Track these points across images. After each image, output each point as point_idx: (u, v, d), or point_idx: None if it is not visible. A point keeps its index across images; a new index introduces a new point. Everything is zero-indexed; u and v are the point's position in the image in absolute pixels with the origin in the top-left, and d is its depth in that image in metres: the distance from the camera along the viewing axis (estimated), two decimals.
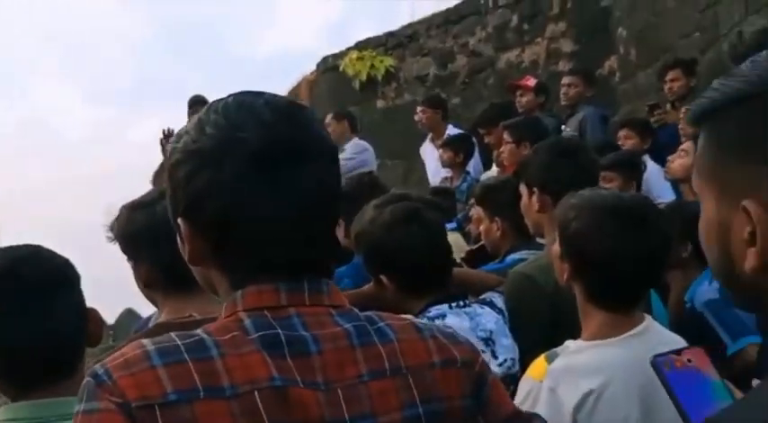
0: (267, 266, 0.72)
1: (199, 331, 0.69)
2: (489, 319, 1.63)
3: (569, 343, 1.30)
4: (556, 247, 1.34)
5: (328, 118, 4.54)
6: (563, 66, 6.09)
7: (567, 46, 6.35)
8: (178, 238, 0.77)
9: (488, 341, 1.58)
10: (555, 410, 1.18)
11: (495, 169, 3.98)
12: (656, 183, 3.31)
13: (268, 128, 0.71)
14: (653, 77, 4.63)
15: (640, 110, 4.49)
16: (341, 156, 4.22)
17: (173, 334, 0.69)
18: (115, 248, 1.33)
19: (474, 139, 4.28)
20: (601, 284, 1.28)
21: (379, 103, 7.02)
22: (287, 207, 0.71)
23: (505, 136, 3.23)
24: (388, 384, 0.71)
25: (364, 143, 4.55)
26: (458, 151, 4.09)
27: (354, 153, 4.38)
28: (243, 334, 0.69)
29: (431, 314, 1.54)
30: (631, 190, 2.81)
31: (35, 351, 1.00)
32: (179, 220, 0.74)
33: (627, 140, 3.63)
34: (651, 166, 3.40)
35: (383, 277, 1.58)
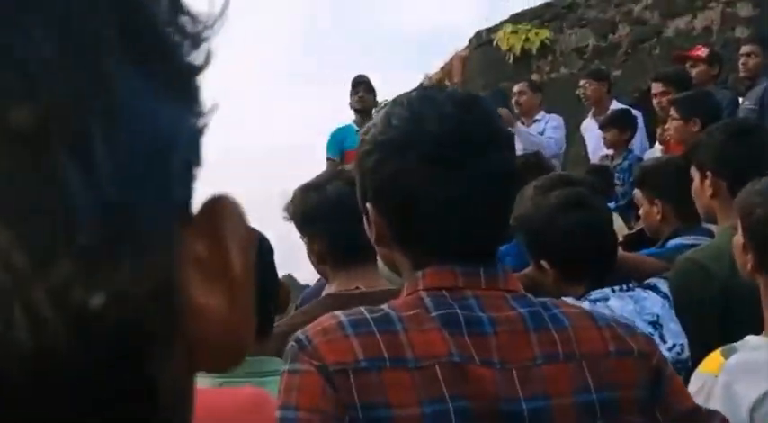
0: (446, 249, 0.78)
1: (384, 307, 0.77)
2: (655, 303, 1.58)
3: (750, 338, 1.23)
4: (738, 238, 1.27)
5: (523, 86, 4.42)
6: (740, 32, 5.56)
7: (744, 10, 5.79)
8: (365, 221, 0.85)
9: (656, 325, 1.54)
10: (731, 407, 1.14)
11: (658, 147, 3.77)
12: None
13: (449, 120, 0.78)
14: None
15: None
16: (535, 126, 4.19)
17: (362, 308, 0.77)
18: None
19: (637, 114, 4.07)
20: None
21: (534, 78, 6.83)
22: (466, 194, 0.77)
23: (672, 112, 3.05)
24: (561, 369, 0.75)
25: (560, 118, 4.42)
26: (623, 129, 3.89)
27: (558, 125, 4.26)
28: (424, 311, 0.75)
29: (592, 297, 1.53)
30: None
31: None
32: (367, 205, 0.82)
33: None
34: None
35: (544, 262, 1.59)
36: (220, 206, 0.24)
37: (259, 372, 1.09)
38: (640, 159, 3.51)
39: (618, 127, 3.89)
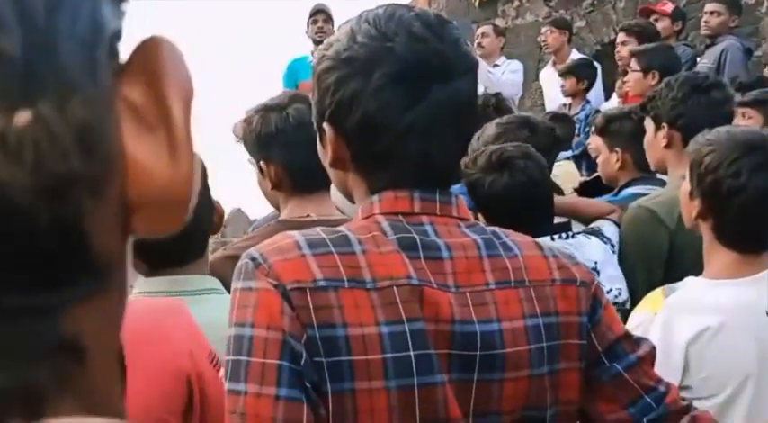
0: (404, 174, 0.77)
1: (342, 228, 0.75)
2: (596, 250, 1.63)
3: (690, 279, 1.28)
4: (685, 186, 1.30)
5: (487, 29, 4.39)
6: None
7: None
8: (318, 143, 0.82)
9: (594, 271, 1.58)
10: (667, 342, 1.19)
11: (615, 100, 3.81)
12: None
13: (418, 40, 0.75)
14: None
15: None
16: (496, 69, 4.16)
17: (318, 229, 0.75)
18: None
19: (596, 66, 4.09)
20: (731, 222, 1.24)
21: (498, 22, 6.77)
22: (429, 120, 0.75)
23: (633, 63, 3.07)
24: (512, 294, 0.76)
25: (520, 64, 4.40)
26: (581, 78, 3.91)
27: (517, 69, 4.25)
28: (381, 234, 0.74)
29: None
30: None
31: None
32: (324, 125, 0.79)
33: None
34: None
35: (480, 216, 1.60)
36: (156, 48, 0.21)
37: (195, 290, 1.08)
38: (597, 111, 3.54)
39: (576, 76, 3.91)
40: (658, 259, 1.64)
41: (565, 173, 2.95)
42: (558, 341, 0.77)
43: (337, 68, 0.76)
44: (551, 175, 2.74)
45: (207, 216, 1.15)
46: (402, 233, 0.74)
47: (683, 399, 0.85)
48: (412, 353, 0.70)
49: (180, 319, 0.93)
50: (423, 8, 0.79)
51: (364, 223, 0.76)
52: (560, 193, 2.13)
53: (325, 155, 0.81)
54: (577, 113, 3.83)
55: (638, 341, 0.84)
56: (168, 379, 0.88)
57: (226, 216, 1.56)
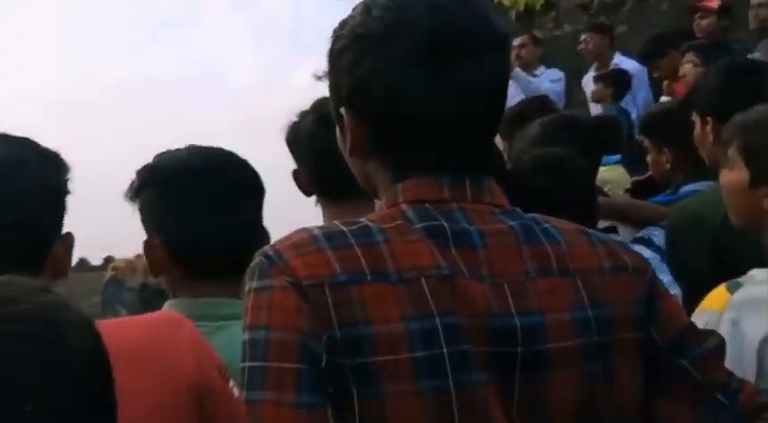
0: (429, 159, 0.70)
1: (363, 219, 0.69)
2: None
3: (755, 272, 1.17)
4: (733, 176, 1.20)
5: (525, 39, 4.35)
6: None
7: None
8: (338, 131, 0.76)
9: None
10: (737, 343, 1.08)
11: (665, 100, 3.68)
12: None
13: (439, 11, 0.68)
14: None
15: None
16: (536, 79, 4.10)
17: (336, 221, 0.69)
18: None
19: (642, 70, 3.98)
20: None
21: (537, 34, 6.69)
22: (454, 99, 0.68)
23: (692, 57, 2.91)
24: (555, 283, 0.68)
25: (560, 72, 4.33)
26: (607, 85, 3.84)
27: (559, 78, 4.18)
28: (407, 223, 0.68)
29: None
30: None
31: (222, 247, 1.05)
32: (341, 110, 0.73)
33: None
34: None
35: None
36: None
37: (222, 315, 1.02)
38: (625, 110, 3.44)
39: (604, 82, 3.86)
40: (704, 259, 1.54)
41: (617, 177, 2.84)
42: (611, 335, 0.69)
43: (352, 46, 0.70)
44: (599, 180, 2.65)
45: (258, 233, 1.10)
46: (429, 221, 0.68)
47: (761, 394, 0.75)
48: (445, 350, 0.63)
49: (180, 331, 0.89)
50: None
51: (388, 212, 0.70)
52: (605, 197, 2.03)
53: (344, 143, 0.75)
54: None
55: (705, 334, 0.75)
56: (170, 391, 0.83)
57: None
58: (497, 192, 0.73)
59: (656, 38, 3.92)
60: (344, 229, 0.67)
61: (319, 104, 1.28)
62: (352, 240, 0.66)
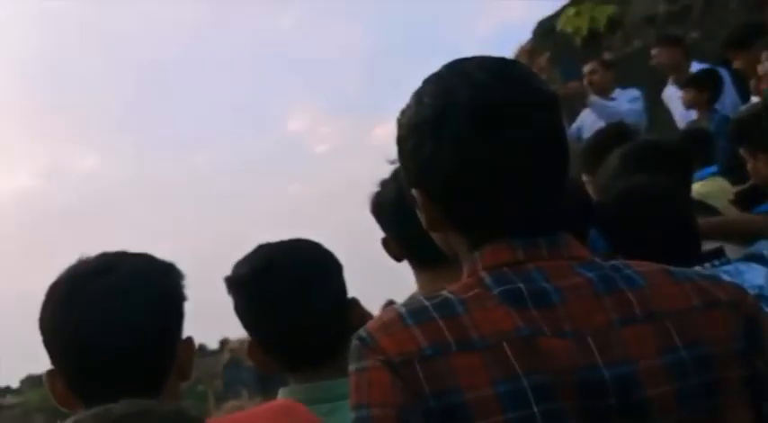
0: (500, 223, 0.74)
1: (443, 292, 0.73)
2: (756, 275, 1.45)
3: None
4: None
5: (594, 65, 4.23)
6: None
7: None
8: (417, 210, 0.81)
9: (759, 298, 1.42)
10: None
11: (754, 101, 3.50)
12: None
13: (481, 88, 0.73)
14: None
15: None
16: (614, 103, 4.00)
17: (420, 296, 0.74)
18: None
19: (723, 73, 3.81)
20: None
21: (607, 56, 6.58)
22: (509, 162, 0.72)
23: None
24: (642, 329, 0.68)
25: (637, 91, 4.20)
26: (701, 89, 3.66)
27: (636, 97, 4.06)
28: (485, 290, 0.71)
29: None
30: None
31: (298, 333, 1.08)
32: (413, 191, 0.78)
33: None
34: None
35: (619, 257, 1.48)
36: None
37: (332, 397, 1.05)
38: (727, 118, 3.26)
39: (696, 87, 3.67)
40: None
41: (717, 189, 2.71)
42: (712, 375, 0.67)
43: (412, 134, 0.76)
44: (699, 195, 2.53)
45: (335, 313, 1.12)
46: (506, 285, 0.71)
47: None
48: (536, 409, 0.65)
49: (296, 417, 0.92)
50: (484, 55, 0.78)
51: (467, 282, 0.74)
52: (714, 212, 1.94)
53: (422, 220, 0.80)
54: (706, 127, 3.55)
55: None
56: None
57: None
58: (574, 244, 0.75)
59: (739, 29, 3.73)
60: (427, 304, 0.71)
61: (399, 173, 1.32)
62: (435, 314, 0.70)
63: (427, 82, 0.77)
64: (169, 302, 0.96)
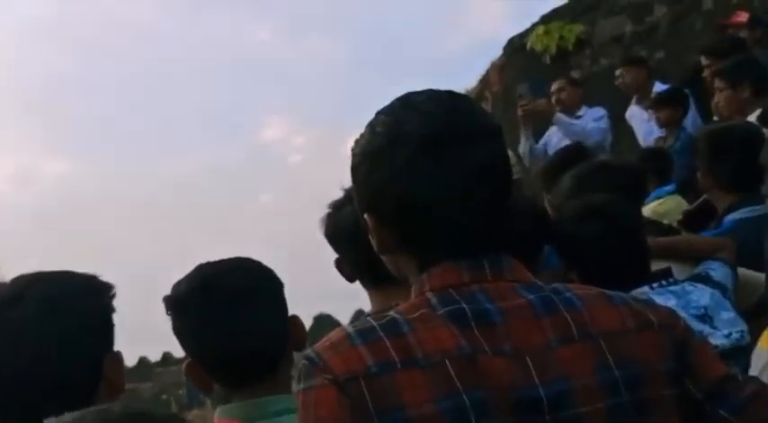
0: (447, 247, 0.77)
1: (391, 312, 0.76)
2: (702, 296, 1.50)
3: None
4: None
5: (562, 83, 4.28)
6: None
7: None
8: (369, 234, 0.84)
9: (704, 317, 1.47)
10: None
11: (715, 120, 3.60)
12: None
13: (432, 119, 0.77)
14: None
15: None
16: (578, 120, 4.06)
17: (368, 317, 0.78)
18: None
19: (687, 92, 3.91)
20: None
21: (574, 74, 6.70)
22: (456, 188, 0.76)
23: (718, 83, 2.91)
24: (578, 349, 0.72)
25: (602, 109, 4.25)
26: (677, 107, 3.75)
27: (601, 116, 4.10)
28: (430, 310, 0.74)
29: None
30: None
31: (235, 352, 1.07)
32: (365, 216, 0.81)
33: None
34: None
35: (573, 274, 1.52)
36: None
37: (270, 412, 1.05)
38: (692, 136, 3.35)
39: (671, 106, 3.76)
40: None
41: (674, 208, 2.77)
42: (644, 393, 0.71)
43: (365, 162, 0.80)
44: (657, 214, 2.58)
45: (279, 330, 1.12)
46: (450, 305, 0.74)
47: None
48: None
49: None
50: (435, 89, 0.82)
51: (414, 302, 0.77)
52: (667, 231, 1.99)
53: (374, 243, 0.83)
54: (672, 144, 3.64)
55: (745, 381, 0.76)
56: None
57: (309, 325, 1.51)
58: (517, 267, 0.78)
59: (721, 39, 3.81)
60: (375, 323, 0.74)
61: (351, 195, 1.33)
62: (382, 334, 0.72)
63: (380, 113, 0.81)
64: (85, 322, 0.94)
